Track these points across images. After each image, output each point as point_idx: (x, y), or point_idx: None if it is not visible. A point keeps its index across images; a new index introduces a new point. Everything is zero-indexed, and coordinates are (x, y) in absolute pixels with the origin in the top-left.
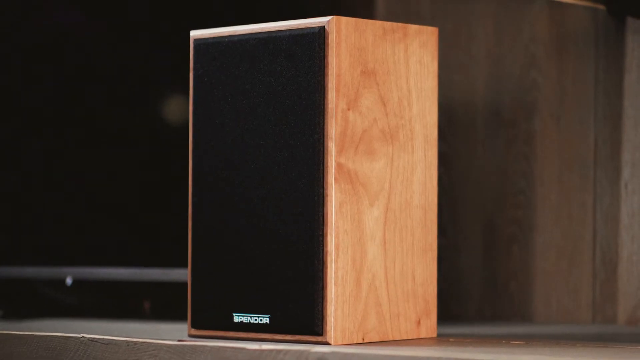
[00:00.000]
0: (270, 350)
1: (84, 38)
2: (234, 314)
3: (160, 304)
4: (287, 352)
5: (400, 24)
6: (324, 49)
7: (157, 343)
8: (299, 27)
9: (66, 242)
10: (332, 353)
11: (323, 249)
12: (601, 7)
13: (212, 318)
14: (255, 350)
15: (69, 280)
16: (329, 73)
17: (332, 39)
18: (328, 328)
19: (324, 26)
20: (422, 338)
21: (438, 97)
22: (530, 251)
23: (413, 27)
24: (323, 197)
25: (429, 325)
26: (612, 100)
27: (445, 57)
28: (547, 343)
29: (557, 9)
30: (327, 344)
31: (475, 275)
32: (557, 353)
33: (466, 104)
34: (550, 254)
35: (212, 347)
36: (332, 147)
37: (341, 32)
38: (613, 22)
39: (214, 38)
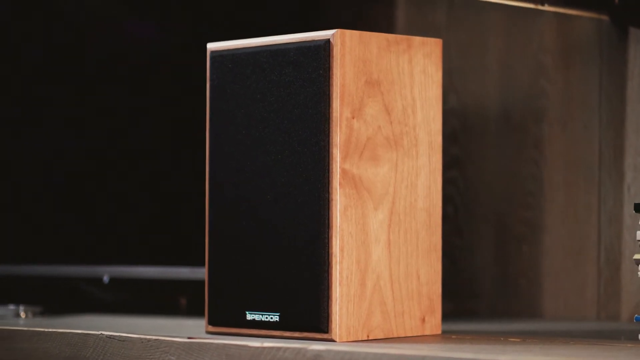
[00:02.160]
0: (271, 348)
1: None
2: (246, 312)
3: (196, 301)
4: (286, 349)
5: (404, 36)
6: (329, 61)
7: (169, 340)
8: (306, 39)
9: (104, 242)
10: (327, 351)
11: (328, 251)
12: (605, 18)
13: (227, 316)
14: (257, 348)
15: (106, 278)
16: (334, 83)
17: (336, 51)
18: (333, 326)
19: (329, 39)
20: (425, 335)
21: (452, 103)
22: (539, 250)
23: (417, 39)
24: (328, 201)
25: (434, 323)
26: (615, 106)
27: (459, 66)
28: (542, 340)
29: (564, 20)
30: (332, 340)
31: (488, 273)
32: (547, 351)
33: (479, 110)
34: (557, 253)
35: (217, 345)
36: (336, 153)
37: (345, 44)
38: (616, 32)
39: (228, 50)
